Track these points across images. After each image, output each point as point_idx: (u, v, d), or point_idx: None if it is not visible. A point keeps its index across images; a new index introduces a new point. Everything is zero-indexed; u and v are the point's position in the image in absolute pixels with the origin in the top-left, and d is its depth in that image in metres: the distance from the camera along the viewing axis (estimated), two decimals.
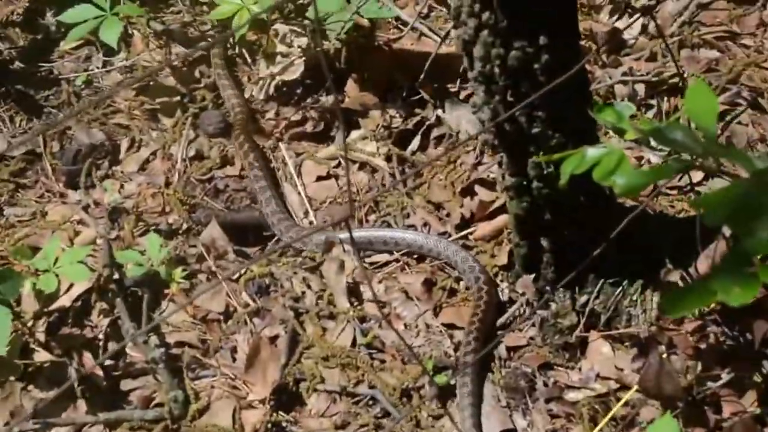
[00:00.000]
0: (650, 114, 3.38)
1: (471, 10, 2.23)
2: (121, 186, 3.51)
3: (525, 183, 2.56)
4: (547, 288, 2.84)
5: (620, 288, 2.79)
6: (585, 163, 1.97)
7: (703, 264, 2.63)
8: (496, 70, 2.29)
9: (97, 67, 4.00)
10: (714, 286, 1.46)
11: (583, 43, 3.54)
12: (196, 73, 3.89)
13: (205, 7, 4.02)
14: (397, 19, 3.83)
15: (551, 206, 2.60)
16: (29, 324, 2.99)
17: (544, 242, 2.72)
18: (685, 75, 3.49)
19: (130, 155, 3.63)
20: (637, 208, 2.31)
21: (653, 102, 3.42)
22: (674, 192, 3.11)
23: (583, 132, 2.43)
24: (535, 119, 2.38)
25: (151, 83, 3.85)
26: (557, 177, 2.42)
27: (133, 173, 3.56)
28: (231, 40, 3.70)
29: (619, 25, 3.77)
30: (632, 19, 3.73)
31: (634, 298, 2.79)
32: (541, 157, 2.38)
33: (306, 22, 3.65)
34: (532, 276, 2.87)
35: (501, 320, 2.91)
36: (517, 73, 2.28)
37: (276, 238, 3.28)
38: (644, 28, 3.72)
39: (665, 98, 3.43)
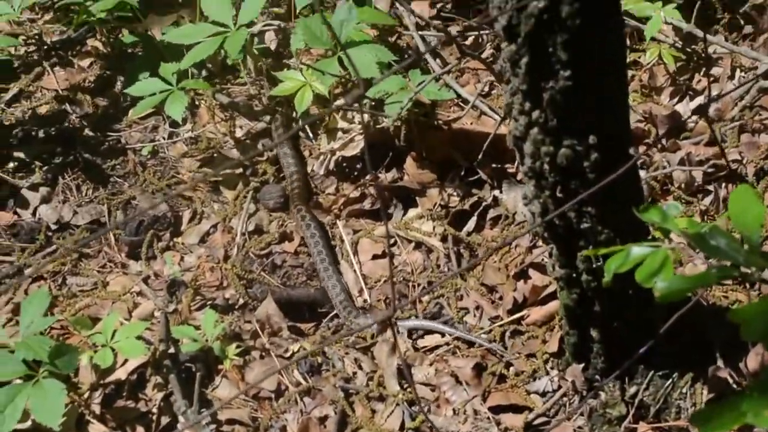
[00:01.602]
0: (707, 201, 3.36)
1: (521, 108, 2.26)
2: (181, 258, 3.57)
3: (574, 275, 2.57)
4: (597, 377, 2.84)
5: (670, 380, 2.78)
6: (629, 262, 1.97)
7: (752, 361, 2.62)
8: (546, 166, 2.31)
9: (163, 138, 4.08)
10: (744, 407, 1.45)
11: (642, 125, 3.57)
12: (259, 146, 3.96)
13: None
14: (459, 96, 3.86)
15: (601, 298, 2.60)
16: (85, 396, 3.05)
17: (594, 333, 2.72)
18: (744, 161, 3.47)
19: (192, 227, 3.69)
20: (690, 299, 2.30)
21: (710, 188, 3.39)
22: (729, 282, 3.09)
23: (633, 227, 2.42)
24: (584, 215, 2.39)
25: (215, 155, 3.93)
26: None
27: (194, 245, 3.62)
28: (294, 114, 3.74)
29: (680, 108, 3.76)
30: (692, 103, 3.73)
31: (684, 390, 2.77)
32: (588, 251, 2.39)
33: (365, 101, 3.70)
34: (582, 365, 2.86)
35: (547, 405, 2.92)
36: (566, 170, 2.30)
37: (331, 315, 3.32)
38: (708, 106, 3.71)
39: (723, 184, 3.41)
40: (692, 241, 1.75)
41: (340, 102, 3.68)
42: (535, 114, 2.23)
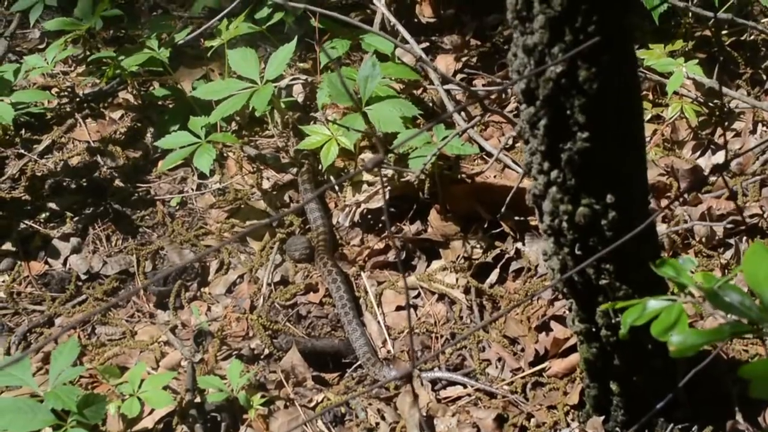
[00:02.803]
0: (728, 254, 3.39)
1: (540, 167, 2.30)
2: (208, 308, 3.63)
3: (594, 330, 2.60)
4: (617, 430, 2.86)
5: None
6: (645, 316, 2.01)
7: None
8: (565, 224, 2.35)
9: (192, 189, 4.15)
10: None
11: (664, 179, 3.61)
12: (286, 198, 4.03)
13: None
14: (482, 149, 3.91)
15: (620, 353, 2.63)
16: None
17: (614, 386, 2.75)
18: (765, 215, 3.50)
19: (219, 277, 3.75)
20: (710, 353, 2.33)
21: (731, 242, 3.42)
22: (749, 336, 3.10)
23: (652, 284, 2.46)
24: (603, 271, 2.43)
25: (242, 206, 4.00)
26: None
27: (221, 296, 3.68)
28: (320, 166, 3.80)
29: (701, 162, 3.80)
30: (714, 157, 3.76)
31: None
32: (605, 305, 2.42)
33: (390, 155, 3.77)
34: (603, 417, 2.88)
35: None
36: (584, 228, 2.34)
37: (355, 365, 3.36)
38: (726, 167, 3.74)
39: (744, 238, 3.44)
40: (706, 296, 1.78)
41: (361, 165, 3.73)
42: (554, 174, 2.28)
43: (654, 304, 2.02)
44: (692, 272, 3.27)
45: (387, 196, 3.79)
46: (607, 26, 2.03)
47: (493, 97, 4.22)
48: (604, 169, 2.27)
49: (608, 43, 2.04)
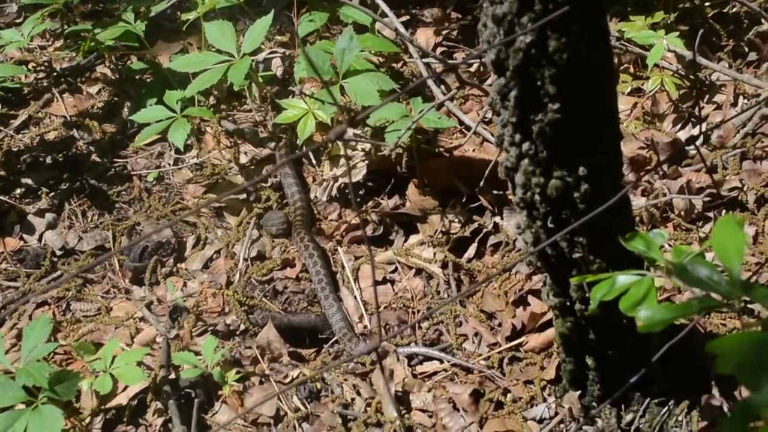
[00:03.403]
0: (707, 228, 3.37)
1: (512, 139, 2.27)
2: (184, 284, 3.60)
3: (568, 304, 2.58)
4: (594, 404, 2.84)
5: (666, 407, 2.78)
6: (614, 291, 1.99)
7: (746, 390, 2.61)
8: (537, 197, 2.33)
9: (169, 164, 4.12)
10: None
11: (643, 152, 3.59)
12: (263, 172, 3.99)
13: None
14: (461, 123, 3.88)
15: (595, 327, 2.61)
16: (86, 421, 3.08)
17: (589, 360, 2.73)
18: (745, 188, 3.48)
19: (195, 253, 3.72)
20: (686, 327, 2.31)
21: (710, 215, 3.40)
22: (726, 310, 3.08)
23: (626, 257, 2.43)
24: (576, 245, 2.40)
25: (219, 181, 3.97)
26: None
27: (197, 271, 3.65)
28: (297, 140, 3.76)
29: (682, 135, 3.78)
30: (693, 130, 3.74)
31: (680, 418, 2.77)
32: (576, 278, 2.40)
33: (367, 128, 3.73)
34: (579, 392, 2.87)
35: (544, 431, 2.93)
36: (556, 201, 2.31)
37: (331, 341, 3.34)
38: (706, 139, 3.72)
39: (723, 212, 3.42)
40: (674, 271, 1.75)
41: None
42: (525, 146, 2.25)
43: (623, 279, 2.00)
44: (670, 245, 3.27)
45: (365, 171, 3.76)
46: None
47: (472, 69, 4.19)
48: (575, 140, 2.24)
49: (578, 13, 2.00)
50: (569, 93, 2.12)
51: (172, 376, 3.18)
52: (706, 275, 1.66)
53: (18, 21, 5.01)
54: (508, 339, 3.21)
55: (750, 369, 1.39)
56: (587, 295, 2.50)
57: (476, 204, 3.63)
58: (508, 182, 2.43)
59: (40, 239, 3.85)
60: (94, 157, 4.17)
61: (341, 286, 3.50)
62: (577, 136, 2.23)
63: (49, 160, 4.10)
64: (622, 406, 2.82)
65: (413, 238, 3.62)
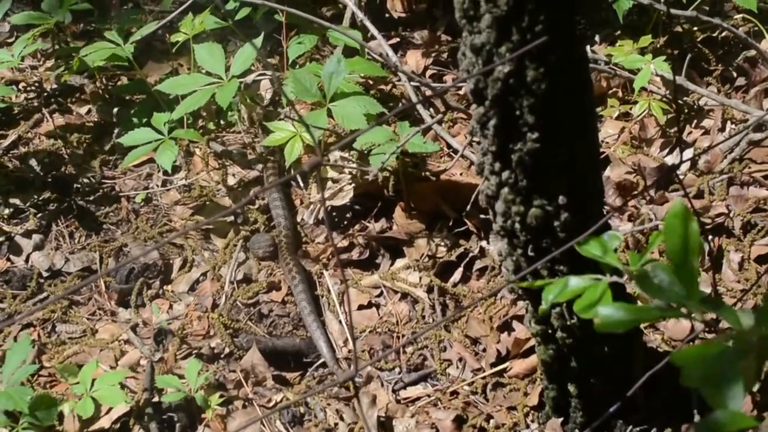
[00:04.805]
0: None
1: (492, 168, 2.28)
2: (170, 306, 3.59)
3: (550, 331, 2.58)
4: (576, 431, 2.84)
5: None
6: (566, 293, 1.96)
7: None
8: (517, 225, 2.33)
9: (157, 185, 4.12)
10: None
11: (631, 177, 3.59)
12: (251, 195, 3.98)
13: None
14: (449, 146, 3.89)
15: (577, 355, 2.61)
16: None
17: (572, 388, 2.72)
18: (731, 214, 3.48)
19: (182, 275, 3.71)
20: (668, 354, 2.31)
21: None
22: (712, 335, 3.08)
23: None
24: (557, 273, 2.40)
25: (207, 203, 3.96)
26: (582, 328, 2.46)
27: (183, 293, 3.64)
28: (285, 163, 3.75)
29: (669, 160, 3.78)
30: (684, 158, 3.73)
31: None
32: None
33: (353, 152, 3.74)
34: (561, 419, 2.86)
35: None
36: (536, 229, 2.31)
37: (316, 365, 3.33)
38: (693, 164, 3.72)
39: (711, 237, 3.42)
40: (634, 279, 1.67)
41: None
42: (505, 174, 2.25)
43: (576, 281, 1.96)
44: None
45: (351, 194, 3.76)
46: (555, 26, 2.00)
47: (461, 92, 4.20)
48: (555, 169, 2.24)
49: (556, 43, 2.01)
50: (548, 122, 2.12)
51: (156, 399, 3.17)
52: (666, 282, 1.58)
53: (9, 41, 5.00)
54: (493, 365, 3.20)
55: (714, 383, 1.34)
56: (569, 323, 2.50)
57: (463, 228, 3.63)
58: (490, 210, 2.43)
59: (26, 260, 3.84)
60: (82, 178, 4.16)
61: (326, 310, 3.49)
62: (556, 164, 2.23)
63: (37, 180, 4.09)
64: None
65: (399, 262, 3.61)
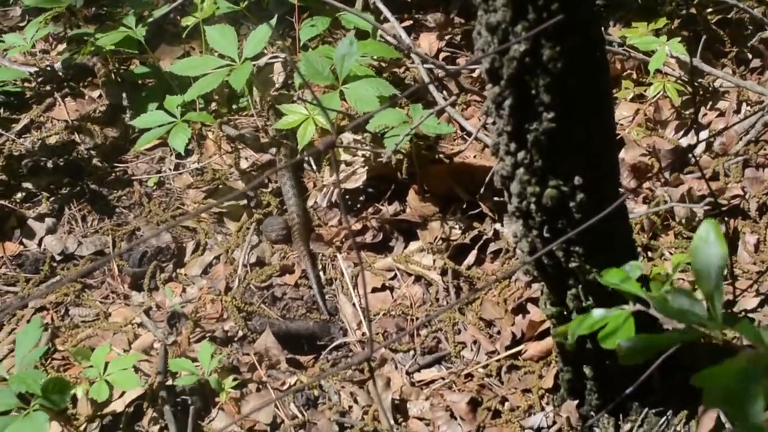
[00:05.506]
0: None
1: (507, 148, 2.26)
2: (183, 290, 3.58)
3: (565, 313, 2.56)
4: (591, 414, 2.83)
5: (665, 418, 2.76)
6: (588, 326, 1.97)
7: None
8: (533, 206, 2.31)
9: (169, 169, 4.11)
10: None
11: (645, 159, 3.57)
12: (262, 176, 3.97)
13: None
14: (463, 129, 3.87)
15: (592, 337, 2.59)
16: (82, 428, 3.07)
17: (587, 370, 2.71)
18: (747, 196, 3.46)
19: (195, 258, 3.70)
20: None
21: None
22: None
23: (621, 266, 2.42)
24: (573, 254, 2.38)
25: (220, 186, 3.95)
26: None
27: (196, 277, 3.64)
28: (297, 145, 3.74)
29: (684, 142, 3.76)
30: (699, 140, 3.71)
31: (679, 428, 2.75)
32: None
33: (366, 135, 3.72)
34: (577, 401, 2.85)
35: None
36: (552, 210, 2.29)
37: (330, 347, 3.32)
38: (708, 146, 3.70)
39: (725, 219, 3.40)
40: (654, 304, 1.70)
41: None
42: (521, 155, 2.23)
43: (600, 312, 1.97)
44: (671, 253, 3.25)
45: (365, 177, 3.75)
46: (571, 4, 1.98)
47: (474, 75, 4.18)
48: (571, 150, 2.22)
49: (572, 22, 1.99)
50: (564, 102, 2.10)
51: (169, 382, 3.17)
52: (687, 307, 1.60)
53: (21, 24, 5.01)
54: (507, 347, 3.19)
55: (737, 402, 1.35)
56: (584, 304, 2.49)
57: (476, 210, 3.61)
58: (504, 191, 2.41)
59: (39, 244, 3.84)
60: (95, 161, 4.15)
61: (339, 293, 3.48)
62: (572, 145, 2.21)
63: (50, 164, 4.08)
64: (620, 416, 2.80)
65: (413, 245, 3.60)
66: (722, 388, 1.36)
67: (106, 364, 3.06)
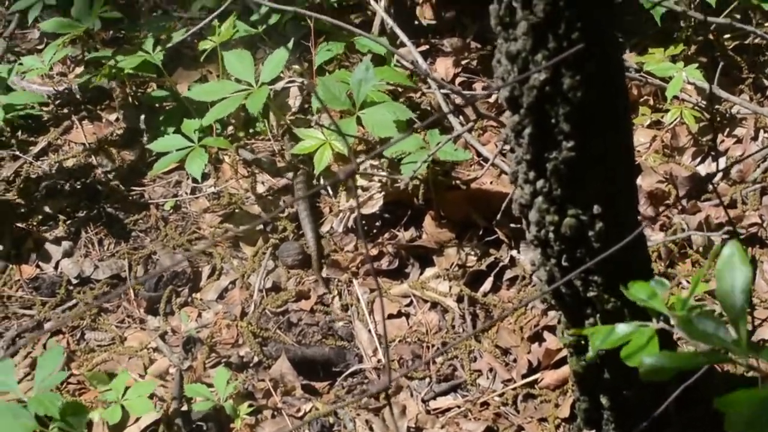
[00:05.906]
0: None
1: (526, 177, 2.25)
2: (199, 315, 3.58)
3: (583, 342, 2.55)
4: None
5: None
6: (613, 341, 1.94)
7: None
8: (551, 235, 2.30)
9: (186, 193, 4.11)
10: None
11: (662, 186, 3.56)
12: (281, 203, 3.97)
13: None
14: (479, 155, 3.87)
15: (609, 367, 2.57)
16: None
17: (604, 400, 2.69)
18: (764, 224, 3.44)
19: (210, 283, 3.70)
20: (701, 368, 2.27)
21: None
22: None
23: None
24: (591, 283, 2.37)
25: (236, 211, 3.95)
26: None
27: (212, 302, 3.63)
28: (314, 170, 3.73)
29: (701, 169, 3.74)
30: (718, 168, 3.69)
31: None
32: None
33: (383, 160, 3.72)
34: (593, 431, 2.83)
35: None
36: (570, 239, 2.28)
37: (345, 374, 3.31)
38: (726, 174, 3.69)
39: (744, 247, 3.37)
40: (680, 326, 1.68)
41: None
42: (540, 183, 2.23)
43: (624, 327, 1.95)
44: (688, 282, 3.23)
45: (381, 202, 3.74)
46: (592, 33, 1.98)
47: (491, 100, 4.18)
48: (590, 179, 2.21)
49: (593, 51, 1.98)
50: (584, 131, 2.10)
51: (185, 408, 3.16)
52: (711, 330, 1.59)
53: (40, 47, 5.03)
54: (523, 375, 3.17)
55: (759, 428, 1.35)
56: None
57: (493, 237, 3.60)
58: (522, 219, 2.41)
59: (56, 267, 3.85)
60: (112, 184, 4.16)
61: (355, 320, 3.47)
62: (591, 174, 2.20)
63: (67, 187, 4.09)
64: None
65: (429, 271, 3.59)
66: (746, 414, 1.35)
67: (126, 389, 3.06)
